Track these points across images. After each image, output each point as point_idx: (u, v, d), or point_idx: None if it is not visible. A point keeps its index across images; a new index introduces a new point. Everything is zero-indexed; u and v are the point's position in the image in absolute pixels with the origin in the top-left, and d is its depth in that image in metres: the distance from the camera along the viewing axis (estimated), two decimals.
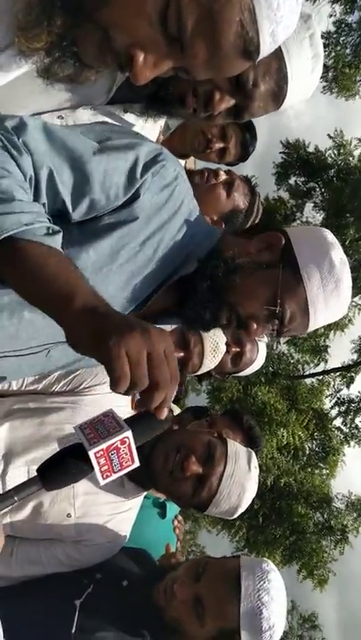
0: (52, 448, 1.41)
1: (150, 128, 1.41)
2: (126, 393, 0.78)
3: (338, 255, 1.15)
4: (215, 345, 1.83)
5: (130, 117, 1.30)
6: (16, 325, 1.03)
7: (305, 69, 1.29)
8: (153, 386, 0.79)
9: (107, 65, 0.94)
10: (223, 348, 1.89)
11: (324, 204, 11.36)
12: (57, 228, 0.90)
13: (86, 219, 1.01)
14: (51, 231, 0.88)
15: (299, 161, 11.45)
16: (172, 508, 1.93)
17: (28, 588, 1.50)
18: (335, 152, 11.13)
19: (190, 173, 2.08)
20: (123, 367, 0.75)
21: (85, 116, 1.20)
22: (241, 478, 1.55)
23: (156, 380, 0.78)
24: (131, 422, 0.86)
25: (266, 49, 0.91)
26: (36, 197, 0.93)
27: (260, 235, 1.17)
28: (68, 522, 1.45)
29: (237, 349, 2.18)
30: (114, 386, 0.77)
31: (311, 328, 1.18)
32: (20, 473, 1.40)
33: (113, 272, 1.04)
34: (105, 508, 1.51)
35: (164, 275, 1.12)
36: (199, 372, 1.92)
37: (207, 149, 1.91)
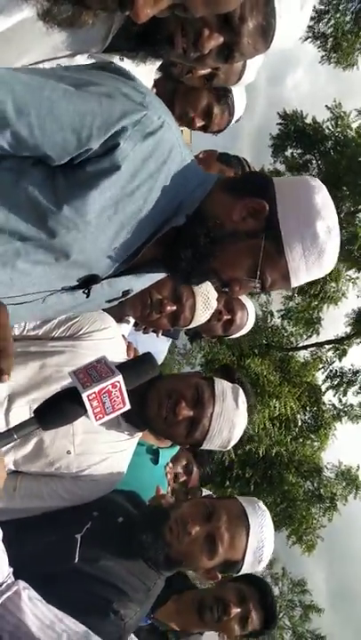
0: (53, 389, 1.48)
1: (145, 74, 1.41)
2: None
3: (324, 224, 1.12)
4: (207, 299, 1.88)
5: (126, 65, 1.32)
6: (9, 274, 1.07)
7: (294, 5, 1.28)
8: None
9: (106, 4, 0.96)
10: (214, 304, 1.94)
11: (320, 176, 11.30)
12: None
13: (68, 167, 1.01)
14: None
15: (296, 132, 11.33)
16: (165, 455, 2.03)
17: (31, 525, 1.59)
18: (333, 124, 11.01)
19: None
20: None
21: (82, 63, 1.22)
22: (230, 415, 1.66)
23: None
24: (122, 368, 0.93)
25: None
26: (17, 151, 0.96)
27: (246, 198, 1.14)
28: (67, 458, 1.54)
29: (228, 317, 2.25)
30: None
31: (294, 286, 1.20)
32: (22, 412, 1.47)
33: (102, 225, 1.05)
34: (103, 447, 1.59)
35: (155, 225, 1.13)
36: (190, 326, 1.97)
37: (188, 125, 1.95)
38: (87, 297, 1.18)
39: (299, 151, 11.53)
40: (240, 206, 1.13)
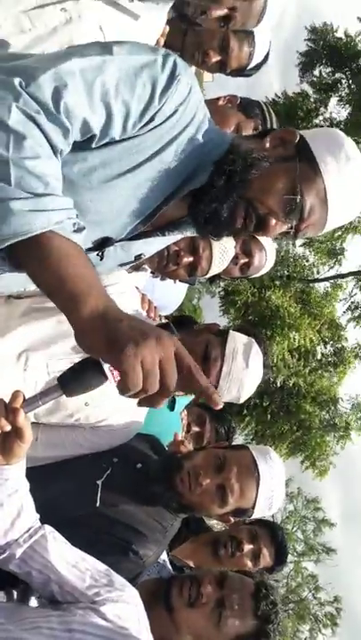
0: (69, 344, 1.48)
1: (157, 17, 1.31)
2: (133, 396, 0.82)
3: (352, 148, 1.14)
4: (223, 249, 1.84)
5: (135, 7, 1.22)
6: None
7: None
8: (162, 390, 0.81)
9: None
10: (232, 253, 1.90)
11: (350, 97, 10.63)
12: (82, 224, 0.93)
13: None
14: (76, 227, 0.91)
15: (326, 49, 10.58)
16: (181, 402, 2.07)
17: (54, 472, 1.66)
18: None
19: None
20: (137, 379, 0.78)
21: (89, 6, 1.13)
22: (239, 374, 1.66)
23: (165, 385, 0.81)
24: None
25: None
26: (67, 137, 0.93)
27: (272, 132, 1.14)
28: (85, 410, 1.57)
29: (246, 260, 2.20)
30: (123, 392, 0.81)
31: (329, 224, 1.16)
32: (40, 367, 1.48)
33: (119, 185, 1.04)
34: (120, 397, 1.62)
35: (173, 186, 1.11)
36: (207, 276, 1.94)
37: (204, 63, 1.81)
38: (101, 259, 1.17)
39: (328, 70, 10.80)
40: (270, 137, 1.14)
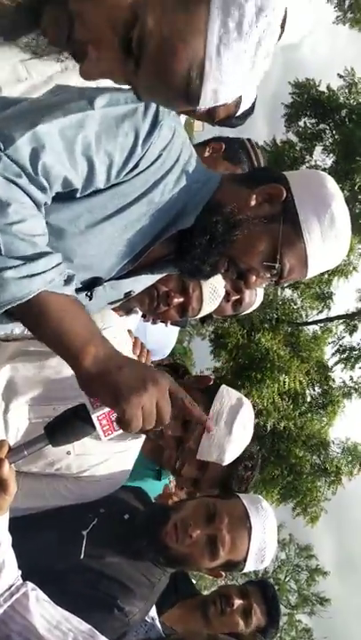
0: (51, 389, 1.46)
1: None
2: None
3: (339, 208, 1.15)
4: (213, 289, 1.83)
5: None
6: None
7: None
8: (158, 424, 0.91)
9: (62, 47, 0.95)
10: (222, 292, 1.89)
11: (334, 146, 11.02)
12: (71, 272, 0.95)
13: None
14: (67, 278, 0.93)
15: (309, 101, 11.04)
16: (167, 473, 2.02)
17: (36, 521, 1.59)
18: (346, 91, 10.69)
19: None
20: (138, 424, 0.88)
21: None
22: (220, 440, 1.56)
23: (161, 421, 0.91)
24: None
25: (206, 102, 0.91)
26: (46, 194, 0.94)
27: (261, 186, 1.14)
28: (67, 459, 1.51)
29: (237, 297, 2.20)
30: (126, 431, 0.90)
31: (309, 277, 1.20)
32: (20, 412, 1.44)
33: (106, 229, 1.04)
34: (104, 447, 1.56)
35: (160, 226, 1.12)
36: (198, 316, 1.93)
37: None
38: (90, 300, 1.16)
39: (313, 121, 11.23)
40: (256, 193, 1.13)
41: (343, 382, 12.14)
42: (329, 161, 11.00)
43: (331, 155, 11.06)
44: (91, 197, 1.01)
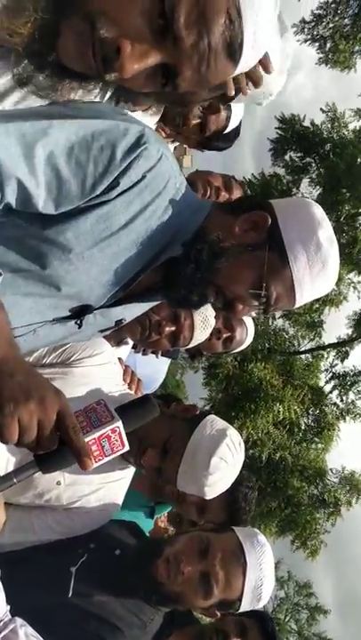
0: None
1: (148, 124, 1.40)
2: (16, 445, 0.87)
3: (325, 234, 1.13)
4: (205, 318, 1.85)
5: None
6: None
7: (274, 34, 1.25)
8: (39, 444, 0.88)
9: (84, 63, 0.91)
10: (213, 322, 1.91)
11: (320, 179, 11.27)
12: None
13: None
14: None
15: (294, 136, 11.33)
16: (160, 510, 1.98)
17: (25, 556, 1.54)
18: (329, 126, 11.01)
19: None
20: (11, 434, 0.84)
21: None
22: (196, 474, 1.49)
23: (41, 441, 0.87)
24: (122, 410, 0.93)
25: (248, 50, 0.93)
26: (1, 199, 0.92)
27: (246, 214, 1.14)
28: (57, 489, 1.48)
29: (228, 334, 2.22)
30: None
31: (298, 305, 1.18)
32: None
33: (95, 256, 1.03)
34: (95, 477, 1.54)
35: (149, 256, 1.11)
36: (190, 346, 1.93)
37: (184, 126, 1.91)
38: (79, 328, 1.15)
39: (298, 155, 11.51)
40: (241, 220, 1.13)
41: (335, 404, 12.06)
42: (316, 193, 11.22)
43: (317, 187, 11.29)
44: (74, 220, 0.99)
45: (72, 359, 1.55)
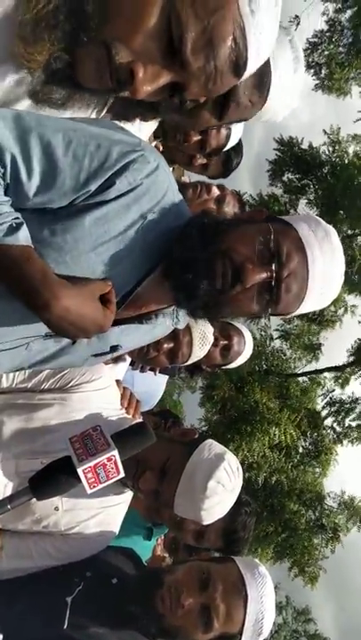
0: (39, 442, 1.42)
1: (144, 135, 1.41)
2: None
3: (333, 232, 1.17)
4: (203, 334, 1.86)
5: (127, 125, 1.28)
6: None
7: (287, 69, 1.33)
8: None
9: (102, 84, 0.97)
10: (211, 338, 1.92)
11: (317, 200, 11.37)
12: (19, 220, 0.92)
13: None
14: (14, 225, 0.91)
15: (292, 158, 11.46)
16: (158, 533, 1.94)
17: (20, 584, 1.50)
18: (330, 149, 11.15)
19: (183, 186, 2.08)
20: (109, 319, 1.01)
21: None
22: (193, 497, 1.47)
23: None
24: (118, 438, 0.95)
25: (252, 65, 1.00)
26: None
27: (241, 213, 1.19)
28: (55, 515, 1.45)
29: (225, 342, 2.21)
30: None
31: (312, 276, 1.10)
32: (7, 465, 1.39)
33: (92, 260, 1.02)
34: (93, 502, 1.50)
35: (146, 269, 1.09)
36: (189, 362, 1.92)
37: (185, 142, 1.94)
38: (73, 343, 1.11)
39: (296, 176, 11.63)
40: (239, 215, 1.19)
41: (332, 428, 11.97)
42: (313, 214, 11.30)
43: (315, 208, 11.38)
44: (72, 221, 0.98)
45: (71, 384, 1.53)
